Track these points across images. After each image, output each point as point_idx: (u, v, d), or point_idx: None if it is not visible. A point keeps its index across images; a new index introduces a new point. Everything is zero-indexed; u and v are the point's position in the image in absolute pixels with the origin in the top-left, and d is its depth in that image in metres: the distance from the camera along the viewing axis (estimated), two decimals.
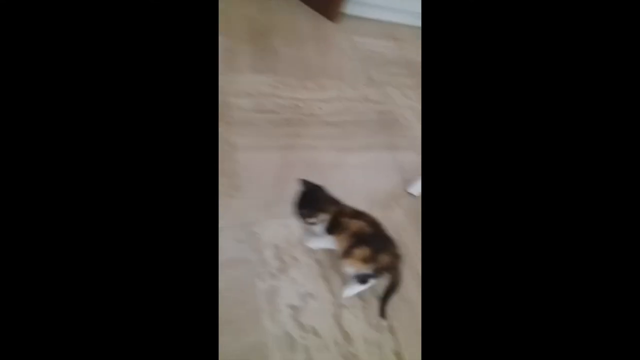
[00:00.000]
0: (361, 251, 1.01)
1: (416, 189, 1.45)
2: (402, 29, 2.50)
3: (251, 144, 1.40)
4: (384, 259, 1.02)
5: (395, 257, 1.04)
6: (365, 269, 1.03)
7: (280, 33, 1.98)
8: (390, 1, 2.42)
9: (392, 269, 1.04)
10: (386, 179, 1.49)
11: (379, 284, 1.08)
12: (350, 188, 1.29)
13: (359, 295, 1.10)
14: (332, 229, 1.07)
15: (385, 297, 1.06)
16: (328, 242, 1.09)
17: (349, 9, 2.34)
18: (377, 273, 1.03)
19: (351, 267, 1.05)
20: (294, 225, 1.20)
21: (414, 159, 1.62)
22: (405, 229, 1.32)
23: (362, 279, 1.06)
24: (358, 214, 1.07)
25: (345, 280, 1.12)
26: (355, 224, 1.04)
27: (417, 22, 2.58)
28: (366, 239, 1.02)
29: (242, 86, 1.60)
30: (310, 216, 1.06)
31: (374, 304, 1.09)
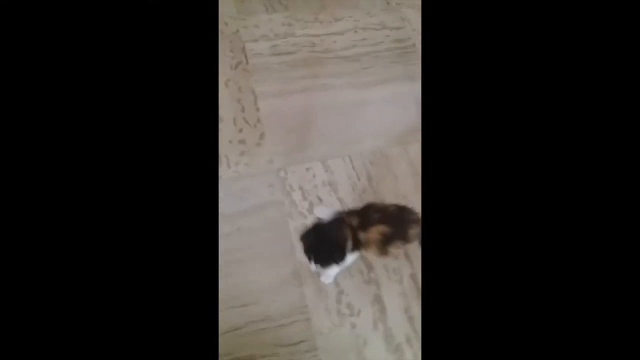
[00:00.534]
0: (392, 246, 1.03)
1: None
2: None
3: (271, 91, 1.46)
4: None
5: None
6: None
7: None
8: None
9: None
10: (404, 112, 1.52)
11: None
12: (370, 126, 1.35)
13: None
14: (354, 247, 1.03)
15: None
16: (350, 259, 1.05)
17: None
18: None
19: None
20: (316, 168, 1.32)
21: None
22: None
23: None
24: (373, 212, 1.04)
25: None
26: (373, 231, 1.01)
27: None
28: (389, 235, 1.01)
29: (257, 30, 1.60)
30: (332, 263, 1.00)
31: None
